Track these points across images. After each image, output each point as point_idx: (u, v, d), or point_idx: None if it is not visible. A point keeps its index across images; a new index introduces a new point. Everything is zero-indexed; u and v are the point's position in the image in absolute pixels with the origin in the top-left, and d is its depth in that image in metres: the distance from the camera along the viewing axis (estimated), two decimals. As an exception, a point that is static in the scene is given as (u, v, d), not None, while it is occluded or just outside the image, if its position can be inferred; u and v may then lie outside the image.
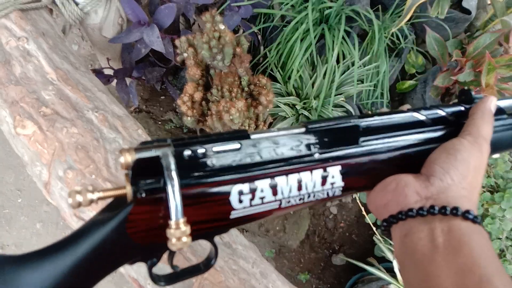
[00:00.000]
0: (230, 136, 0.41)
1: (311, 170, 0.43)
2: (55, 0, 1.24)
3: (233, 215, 0.42)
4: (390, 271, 1.47)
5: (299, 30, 1.40)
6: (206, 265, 0.46)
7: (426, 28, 1.46)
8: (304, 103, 1.49)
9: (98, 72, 1.48)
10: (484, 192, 1.61)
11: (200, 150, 0.39)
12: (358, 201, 1.63)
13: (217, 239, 1.09)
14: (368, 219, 1.54)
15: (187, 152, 0.39)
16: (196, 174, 0.40)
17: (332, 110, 1.46)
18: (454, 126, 0.50)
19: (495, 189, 1.64)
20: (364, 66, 1.48)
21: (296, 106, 1.47)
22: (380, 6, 1.60)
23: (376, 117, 0.47)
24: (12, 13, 1.15)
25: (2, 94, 1.08)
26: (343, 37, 1.42)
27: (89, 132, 1.06)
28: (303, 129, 0.44)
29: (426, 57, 1.77)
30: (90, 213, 1.01)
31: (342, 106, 1.48)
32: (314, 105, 1.46)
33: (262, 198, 0.42)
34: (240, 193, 0.41)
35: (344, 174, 0.45)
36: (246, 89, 1.30)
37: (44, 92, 1.09)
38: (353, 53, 1.41)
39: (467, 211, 0.41)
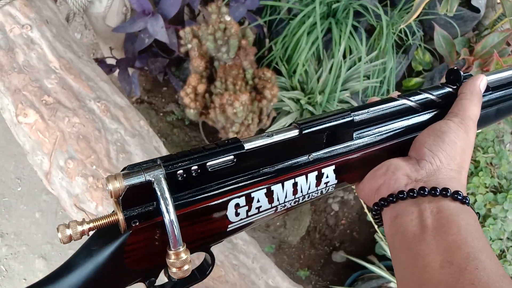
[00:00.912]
0: (224, 149, 0.39)
1: (306, 174, 0.43)
2: (59, -13, 1.22)
3: (230, 227, 0.41)
4: (391, 269, 1.47)
5: (306, 23, 1.38)
6: (202, 273, 0.45)
7: (435, 25, 1.44)
8: (309, 98, 1.47)
9: (101, 62, 1.46)
10: (487, 192, 1.59)
11: (194, 168, 0.37)
12: (361, 200, 1.62)
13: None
14: (370, 217, 1.53)
15: (180, 171, 0.37)
16: (191, 193, 0.38)
17: (337, 105, 1.45)
18: (443, 108, 0.50)
19: (498, 189, 1.63)
20: (371, 62, 1.46)
21: (301, 101, 1.45)
22: (388, 1, 1.58)
23: (369, 109, 0.47)
24: (17, 0, 1.13)
25: (4, 81, 1.06)
26: (350, 32, 1.40)
27: (91, 122, 1.05)
28: (296, 132, 0.42)
29: (433, 54, 1.75)
30: (90, 204, 1.00)
31: (347, 102, 1.47)
32: (319, 100, 1.45)
33: (258, 208, 0.42)
34: (237, 206, 0.40)
35: (338, 172, 0.45)
36: (250, 82, 1.28)
37: (47, 80, 1.08)
38: (360, 49, 1.39)
39: (456, 192, 0.41)
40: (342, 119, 0.44)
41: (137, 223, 0.37)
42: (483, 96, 0.50)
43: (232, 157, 0.39)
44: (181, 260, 0.36)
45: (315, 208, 1.72)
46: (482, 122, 0.52)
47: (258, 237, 1.67)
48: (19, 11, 1.13)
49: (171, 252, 0.36)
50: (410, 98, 0.49)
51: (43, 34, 1.12)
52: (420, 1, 1.16)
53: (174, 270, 0.37)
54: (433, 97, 0.50)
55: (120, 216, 0.36)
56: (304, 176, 0.43)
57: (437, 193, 0.41)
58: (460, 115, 0.47)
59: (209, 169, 0.38)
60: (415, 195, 0.42)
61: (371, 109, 0.47)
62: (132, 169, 0.36)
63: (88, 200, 1.01)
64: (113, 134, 1.06)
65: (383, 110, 0.47)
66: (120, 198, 0.35)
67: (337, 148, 0.45)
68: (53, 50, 1.11)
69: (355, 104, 1.44)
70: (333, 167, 0.44)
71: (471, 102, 0.48)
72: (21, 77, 1.06)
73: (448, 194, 0.41)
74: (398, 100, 0.48)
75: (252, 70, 1.28)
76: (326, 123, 0.43)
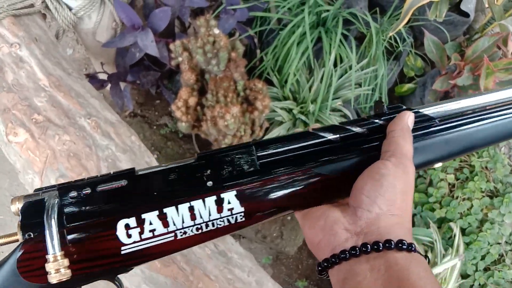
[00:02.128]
0: (116, 175, 0.42)
1: (203, 198, 0.43)
2: (48, 5, 1.22)
3: (125, 250, 0.42)
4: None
5: (295, 33, 1.38)
6: None
7: (425, 31, 1.45)
8: (301, 108, 1.47)
9: (92, 77, 1.46)
10: (484, 197, 1.59)
11: (85, 191, 0.41)
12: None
13: (208, 249, 1.07)
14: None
15: (73, 194, 0.41)
16: (81, 212, 0.41)
17: (330, 114, 1.45)
18: (369, 142, 0.48)
19: (494, 194, 1.63)
20: (362, 70, 1.47)
21: (293, 111, 1.45)
22: (378, 8, 1.59)
23: (278, 144, 0.46)
24: (5, 18, 1.13)
25: (-7, 101, 1.06)
26: (340, 41, 1.40)
27: (82, 139, 1.04)
28: (192, 159, 0.44)
29: (425, 60, 1.75)
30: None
31: (339, 110, 1.47)
32: (311, 109, 1.44)
33: (152, 231, 0.42)
34: (127, 227, 0.41)
35: (241, 199, 0.44)
36: (241, 93, 1.28)
37: (36, 99, 1.07)
38: (351, 57, 1.39)
39: (400, 241, 0.40)
40: (244, 148, 0.45)
41: (31, 235, 0.40)
42: (430, 126, 0.49)
43: (124, 181, 0.42)
44: (58, 263, 0.38)
45: (312, 217, 1.71)
46: (429, 155, 0.49)
47: (255, 248, 1.66)
48: (7, 30, 1.12)
49: (48, 256, 0.38)
50: (331, 131, 0.48)
51: (32, 52, 1.12)
52: (408, 8, 1.17)
53: (52, 273, 0.38)
54: (356, 130, 0.48)
55: (18, 233, 0.40)
56: (200, 200, 0.43)
57: (380, 248, 0.39)
58: (396, 155, 0.44)
59: (100, 191, 0.41)
60: (357, 253, 0.40)
61: (281, 143, 0.47)
62: (34, 192, 0.41)
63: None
64: (104, 151, 1.05)
65: (294, 142, 0.47)
66: (20, 213, 0.40)
67: (237, 174, 0.44)
68: (42, 68, 1.11)
69: (348, 113, 1.44)
70: (234, 192, 0.43)
71: (404, 140, 0.45)
72: (11, 96, 1.06)
73: (392, 246, 0.39)
74: (314, 133, 0.47)
75: (243, 81, 1.28)
76: (225, 152, 0.45)
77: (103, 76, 1.52)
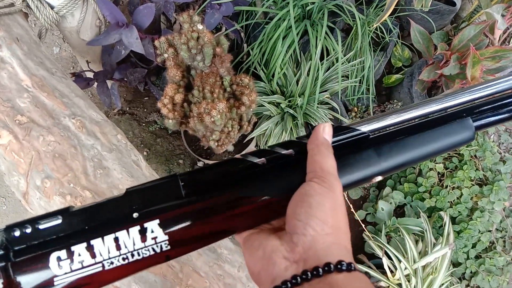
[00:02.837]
0: (53, 213, 0.45)
1: (127, 228, 0.44)
2: (29, 4, 1.21)
3: (57, 281, 0.45)
4: (380, 267, 1.47)
5: (281, 27, 1.37)
6: None
7: (411, 22, 1.44)
8: (289, 101, 1.47)
9: (78, 76, 1.45)
10: (473, 185, 1.60)
11: (27, 230, 0.45)
12: (345, 198, 1.61)
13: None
14: (357, 216, 1.53)
15: (16, 233, 0.44)
16: (23, 248, 0.44)
17: (318, 107, 1.44)
18: (294, 163, 0.47)
19: (484, 182, 1.64)
20: (349, 62, 1.46)
21: (281, 105, 1.45)
22: (363, 0, 1.58)
23: (204, 173, 0.47)
24: (-16, 19, 1.11)
25: (-25, 103, 1.05)
26: (326, 33, 1.39)
27: (66, 139, 1.04)
28: (122, 194, 0.46)
29: (412, 50, 1.75)
30: (69, 222, 0.99)
31: (327, 103, 1.46)
32: (299, 103, 1.44)
33: (81, 262, 0.44)
34: (59, 259, 0.44)
35: (165, 227, 0.45)
36: (228, 89, 1.28)
37: (19, 99, 1.06)
38: (337, 49, 1.39)
39: (339, 262, 0.39)
40: (170, 179, 0.46)
41: None
42: (359, 141, 0.48)
43: (60, 217, 0.45)
44: None
45: (303, 210, 1.71)
46: (361, 170, 0.48)
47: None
48: (-12, 31, 1.11)
49: None
50: (258, 155, 0.47)
51: (14, 52, 1.11)
52: (391, 1, 1.16)
53: None
54: (284, 152, 0.48)
55: None
56: (125, 231, 0.44)
57: (320, 273, 0.39)
58: (319, 173, 0.44)
59: (40, 228, 0.45)
60: (299, 282, 0.40)
61: (209, 170, 0.47)
62: None
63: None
64: (90, 150, 1.05)
65: (220, 169, 0.47)
66: None
67: (161, 204, 0.46)
68: (25, 69, 1.09)
69: (335, 105, 1.44)
70: (157, 221, 0.45)
71: (323, 156, 0.45)
72: (-7, 97, 1.04)
73: (332, 268, 0.39)
74: (240, 158, 0.47)
75: (230, 77, 1.27)
76: (152, 184, 0.47)
77: (90, 75, 1.51)
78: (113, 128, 1.13)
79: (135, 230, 0.44)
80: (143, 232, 0.44)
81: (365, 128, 0.49)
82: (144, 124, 1.70)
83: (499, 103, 0.49)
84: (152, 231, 0.45)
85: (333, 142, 0.48)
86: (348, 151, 0.48)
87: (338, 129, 0.48)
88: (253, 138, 1.51)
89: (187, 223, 0.46)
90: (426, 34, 1.47)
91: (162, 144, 1.67)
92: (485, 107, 0.50)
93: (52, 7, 1.25)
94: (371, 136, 0.49)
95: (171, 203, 0.46)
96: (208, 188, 0.46)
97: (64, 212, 0.45)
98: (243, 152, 0.49)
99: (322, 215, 0.42)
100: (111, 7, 1.31)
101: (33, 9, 1.21)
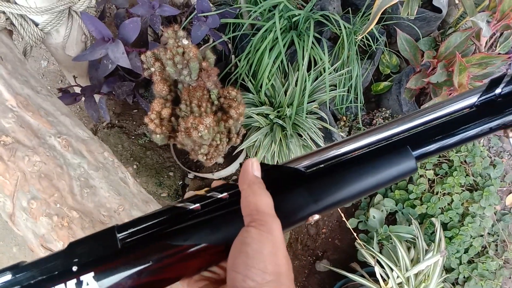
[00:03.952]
0: (2, 270, 0.46)
1: (65, 282, 0.45)
2: (13, 21, 1.20)
3: None
4: (373, 275, 1.46)
5: (267, 38, 1.37)
6: None
7: (397, 30, 1.45)
8: (278, 112, 1.47)
9: (65, 91, 1.44)
10: (464, 191, 1.60)
11: None
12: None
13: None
14: (348, 224, 1.53)
15: None
16: None
17: (306, 117, 1.44)
18: (230, 207, 0.46)
19: (474, 187, 1.64)
20: (337, 71, 1.46)
21: (270, 116, 1.45)
22: (350, 8, 1.58)
23: (141, 223, 0.46)
24: (-33, 38, 1.11)
25: (-42, 125, 1.04)
26: (313, 43, 1.39)
27: (52, 159, 1.03)
28: (64, 248, 0.47)
29: (400, 57, 1.76)
30: (57, 243, 0.98)
31: (316, 113, 1.46)
32: (288, 113, 1.44)
33: None
34: None
35: (99, 279, 0.45)
36: (216, 102, 1.27)
37: (4, 120, 1.05)
38: (324, 59, 1.39)
39: None
40: (107, 232, 0.46)
41: None
42: (294, 178, 0.46)
43: (9, 273, 0.46)
44: None
45: (295, 220, 1.71)
46: (297, 210, 0.45)
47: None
48: (-29, 50, 1.10)
49: None
50: (192, 202, 0.46)
51: (-2, 72, 1.10)
52: (376, 10, 1.17)
53: None
54: (220, 196, 0.46)
55: None
56: (63, 284, 0.45)
57: None
58: (255, 216, 0.41)
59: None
60: None
61: (145, 221, 0.47)
62: None
63: (55, 239, 0.98)
64: (76, 169, 1.04)
65: (157, 218, 0.46)
66: None
67: (98, 255, 0.46)
68: (9, 88, 1.09)
69: (324, 115, 1.44)
70: (92, 274, 0.45)
71: (256, 195, 0.42)
72: (-23, 118, 1.04)
73: None
74: (176, 206, 0.47)
75: (217, 90, 1.26)
76: (90, 237, 0.47)
77: (77, 89, 1.50)
78: (100, 146, 1.12)
79: (72, 283, 0.45)
80: (79, 285, 0.45)
81: (302, 164, 0.47)
82: (133, 137, 1.70)
83: (439, 130, 0.47)
84: (88, 284, 0.45)
85: (268, 181, 0.46)
86: (282, 189, 0.46)
87: (273, 168, 0.47)
88: (242, 149, 1.51)
89: (121, 275, 0.45)
90: (412, 42, 1.47)
91: (152, 157, 1.66)
92: (426, 135, 0.47)
93: (36, 24, 1.24)
94: (308, 173, 0.47)
95: (106, 255, 0.46)
96: (143, 238, 0.46)
97: (13, 269, 0.46)
98: (184, 197, 0.48)
99: (261, 264, 0.40)
100: (96, 22, 1.31)
101: (17, 27, 1.21)
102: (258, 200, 0.42)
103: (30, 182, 1.00)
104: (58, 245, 0.98)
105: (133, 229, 0.46)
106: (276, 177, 0.47)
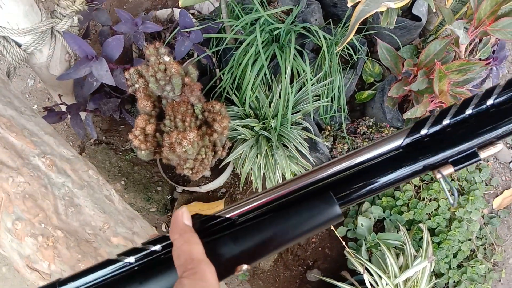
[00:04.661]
0: None
1: None
2: (-5, 43, 1.21)
3: None
4: (362, 283, 1.47)
5: (250, 52, 1.39)
6: None
7: (377, 39, 1.47)
8: (263, 124, 1.48)
9: (50, 110, 1.45)
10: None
11: None
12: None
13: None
14: (337, 233, 1.54)
15: None
16: None
17: (291, 128, 1.46)
18: (163, 259, 0.46)
19: (460, 192, 1.66)
20: (319, 82, 1.48)
21: (255, 128, 1.46)
22: (331, 20, 1.61)
23: (82, 277, 0.46)
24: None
25: None
26: (295, 55, 1.41)
27: (36, 179, 1.03)
28: None
29: (383, 65, 1.78)
30: (43, 263, 0.98)
31: (300, 124, 1.48)
32: (273, 125, 1.45)
33: None
34: None
35: None
36: (200, 116, 1.28)
37: (-13, 141, 1.05)
38: (307, 70, 1.41)
39: None
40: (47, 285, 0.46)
41: None
42: (224, 227, 0.46)
43: None
44: None
45: (285, 230, 1.72)
46: (220, 259, 0.45)
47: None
48: (-47, 74, 1.11)
49: None
50: (127, 255, 0.46)
51: (-20, 94, 1.10)
52: (354, 22, 1.19)
53: None
54: (154, 248, 0.46)
55: None
56: None
57: None
58: (188, 265, 0.41)
59: None
60: None
61: (86, 275, 0.46)
62: None
63: (40, 259, 0.99)
64: (61, 189, 1.04)
65: (96, 272, 0.46)
66: None
67: None
68: (-8, 110, 1.09)
69: (308, 125, 1.46)
70: None
71: (188, 244, 0.42)
72: (-40, 141, 1.04)
73: None
74: (114, 259, 0.46)
75: (201, 104, 1.28)
76: None
77: (63, 107, 1.51)
78: (84, 164, 1.12)
79: None
80: None
81: (232, 213, 0.46)
82: (121, 153, 1.70)
83: (364, 174, 0.46)
84: None
85: (201, 230, 0.46)
86: (212, 238, 0.45)
87: (206, 217, 0.46)
88: (229, 162, 1.52)
89: None
90: (392, 50, 1.50)
91: (140, 172, 1.67)
92: (350, 180, 0.46)
93: (19, 45, 1.25)
94: (238, 221, 0.46)
95: None
96: None
97: None
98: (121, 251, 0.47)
99: None
100: (79, 41, 1.32)
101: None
102: (190, 249, 0.42)
103: (15, 203, 1.00)
104: (44, 265, 0.98)
105: (73, 283, 0.45)
106: (208, 226, 0.46)
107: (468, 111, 0.43)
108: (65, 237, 1.01)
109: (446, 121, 0.44)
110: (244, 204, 0.46)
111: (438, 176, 0.44)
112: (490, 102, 0.43)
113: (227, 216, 0.46)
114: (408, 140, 0.45)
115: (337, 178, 0.46)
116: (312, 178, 0.46)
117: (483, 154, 0.43)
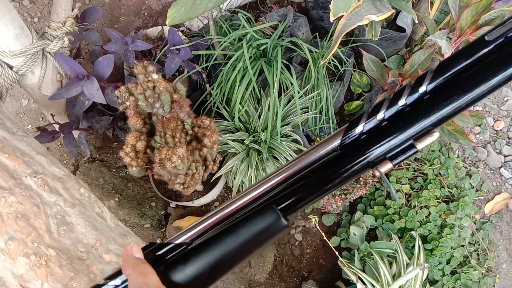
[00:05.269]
0: None
1: None
2: (-13, 66, 1.23)
3: None
4: (357, 293, 1.48)
5: (238, 67, 1.42)
6: None
7: (362, 51, 1.50)
8: (254, 137, 1.50)
9: (43, 130, 1.47)
10: (440, 203, 1.64)
11: None
12: (317, 227, 1.64)
13: None
14: (330, 244, 1.55)
15: None
16: None
17: (281, 140, 1.48)
18: None
19: (450, 198, 1.68)
20: (307, 94, 1.51)
21: (245, 141, 1.48)
22: (318, 32, 1.64)
23: None
24: None
25: None
26: (282, 69, 1.44)
27: (28, 199, 1.05)
28: None
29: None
30: (36, 282, 1.00)
31: (290, 136, 1.50)
32: (263, 137, 1.48)
33: None
34: None
35: None
36: (190, 132, 1.31)
37: (-20, 163, 1.07)
38: (294, 83, 1.43)
39: None
40: None
41: None
42: (179, 253, 0.46)
43: None
44: None
45: (279, 242, 1.73)
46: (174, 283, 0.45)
47: (226, 280, 1.67)
48: None
49: None
50: None
51: (-27, 117, 1.12)
52: (337, 36, 1.22)
53: None
54: (114, 283, 0.46)
55: None
56: None
57: None
58: None
59: None
60: None
61: None
62: None
63: (33, 278, 1.00)
64: (53, 207, 1.06)
65: None
66: None
67: None
68: (-16, 132, 1.11)
69: (297, 137, 1.48)
70: None
71: (141, 275, 0.43)
72: (-47, 163, 1.06)
73: None
74: None
75: (191, 120, 1.30)
76: None
77: (57, 127, 1.53)
78: (76, 182, 1.14)
79: None
80: None
81: (183, 238, 0.47)
82: (114, 170, 1.72)
83: (305, 180, 0.45)
84: None
85: (154, 259, 0.46)
86: (166, 266, 0.46)
87: (158, 246, 0.47)
88: (221, 176, 1.54)
89: None
90: (378, 62, 1.53)
91: (134, 188, 1.68)
92: (292, 189, 0.46)
93: (11, 67, 1.27)
94: (191, 246, 0.46)
95: None
96: None
97: None
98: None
99: None
100: (70, 61, 1.35)
101: (-9, 71, 1.24)
102: (145, 280, 0.42)
103: (7, 223, 1.02)
104: (37, 284, 0.99)
105: None
106: (163, 254, 0.47)
107: (401, 102, 0.41)
108: (58, 255, 1.02)
109: (380, 116, 0.42)
110: (194, 227, 0.47)
111: (377, 173, 0.43)
112: (422, 89, 0.41)
113: (178, 241, 0.46)
114: (345, 140, 0.44)
115: (279, 189, 0.46)
116: (256, 192, 0.46)
117: (420, 145, 0.42)
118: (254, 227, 0.45)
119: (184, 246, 0.46)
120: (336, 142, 0.44)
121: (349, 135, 0.43)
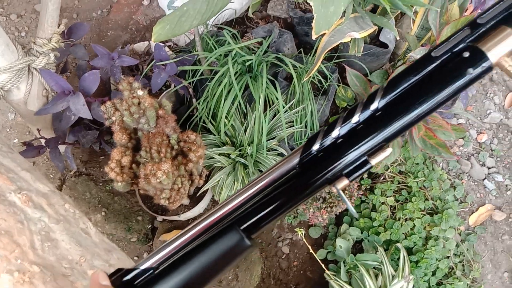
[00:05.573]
0: None
1: None
2: (-28, 82, 1.24)
3: None
4: (343, 306, 1.49)
5: (223, 82, 1.43)
6: None
7: (346, 67, 1.53)
8: (240, 151, 1.52)
9: (29, 145, 1.47)
10: (424, 215, 1.66)
11: None
12: (304, 240, 1.65)
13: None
14: (317, 256, 1.56)
15: None
16: None
17: (267, 154, 1.49)
18: None
19: (435, 211, 1.70)
20: (293, 109, 1.53)
21: (231, 155, 1.49)
22: (303, 48, 1.67)
23: None
24: None
25: None
26: (268, 83, 1.46)
27: (12, 215, 1.05)
28: None
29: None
30: (20, 299, 0.99)
31: (275, 150, 1.52)
32: (249, 151, 1.49)
33: None
34: None
35: None
36: (176, 147, 1.32)
37: (-37, 180, 1.07)
38: (279, 98, 1.45)
39: None
40: None
41: None
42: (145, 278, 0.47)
43: None
44: None
45: (266, 254, 1.74)
46: None
47: (213, 293, 1.67)
48: None
49: None
50: None
51: (-43, 133, 1.12)
52: (320, 53, 1.24)
53: None
54: None
55: None
56: None
57: None
58: None
59: None
60: None
61: None
62: None
63: (18, 295, 0.99)
64: (37, 224, 1.06)
65: None
66: None
67: None
68: (-32, 150, 1.11)
69: (283, 151, 1.50)
70: None
71: None
72: None
73: None
74: None
75: (176, 135, 1.31)
76: None
77: (43, 141, 1.53)
78: (61, 198, 1.14)
79: None
80: None
81: (150, 262, 0.47)
82: (101, 184, 1.72)
83: (266, 199, 0.46)
84: None
85: (121, 285, 0.47)
86: None
87: (126, 271, 0.47)
88: (207, 190, 1.55)
89: None
90: (361, 77, 1.55)
91: (120, 202, 1.68)
92: (254, 208, 0.46)
93: (-4, 83, 1.28)
94: (158, 270, 0.47)
95: None
96: None
97: None
98: None
99: None
100: (55, 77, 1.36)
101: (-24, 87, 1.24)
102: None
103: (-9, 240, 1.01)
104: (21, 301, 0.99)
105: None
106: (130, 279, 0.47)
107: (355, 119, 0.43)
108: (42, 272, 1.02)
109: (335, 133, 0.43)
110: (160, 251, 0.47)
111: (334, 190, 0.43)
112: (374, 106, 0.42)
113: (144, 266, 0.47)
114: (303, 158, 0.44)
115: (242, 209, 0.46)
116: (221, 213, 0.47)
117: (374, 160, 0.43)
118: (218, 248, 0.45)
119: (151, 271, 0.46)
120: (295, 161, 0.45)
121: (307, 153, 0.44)
